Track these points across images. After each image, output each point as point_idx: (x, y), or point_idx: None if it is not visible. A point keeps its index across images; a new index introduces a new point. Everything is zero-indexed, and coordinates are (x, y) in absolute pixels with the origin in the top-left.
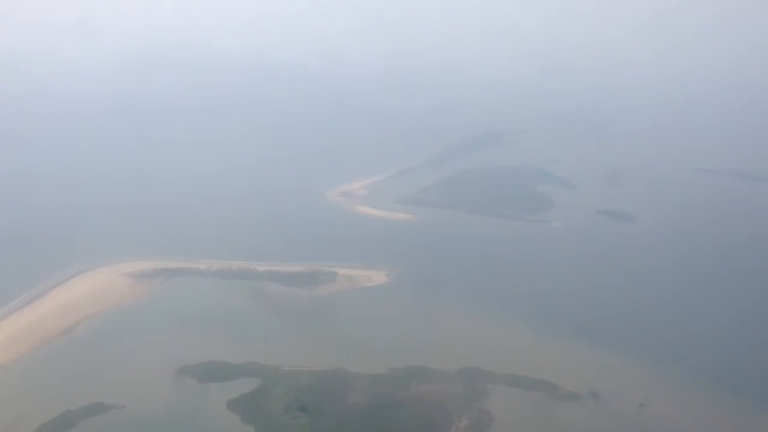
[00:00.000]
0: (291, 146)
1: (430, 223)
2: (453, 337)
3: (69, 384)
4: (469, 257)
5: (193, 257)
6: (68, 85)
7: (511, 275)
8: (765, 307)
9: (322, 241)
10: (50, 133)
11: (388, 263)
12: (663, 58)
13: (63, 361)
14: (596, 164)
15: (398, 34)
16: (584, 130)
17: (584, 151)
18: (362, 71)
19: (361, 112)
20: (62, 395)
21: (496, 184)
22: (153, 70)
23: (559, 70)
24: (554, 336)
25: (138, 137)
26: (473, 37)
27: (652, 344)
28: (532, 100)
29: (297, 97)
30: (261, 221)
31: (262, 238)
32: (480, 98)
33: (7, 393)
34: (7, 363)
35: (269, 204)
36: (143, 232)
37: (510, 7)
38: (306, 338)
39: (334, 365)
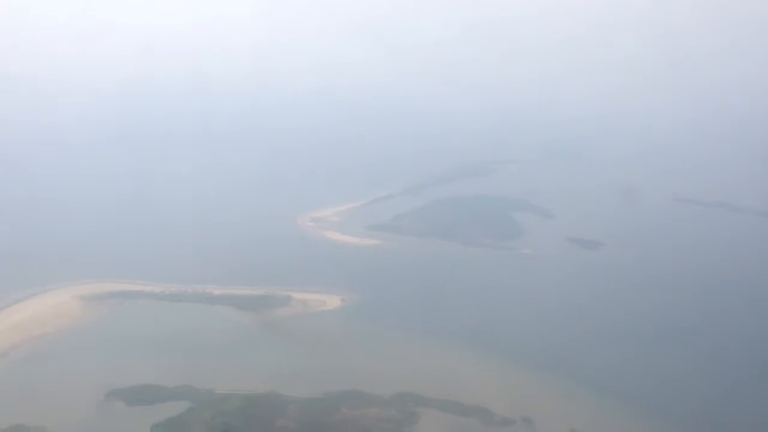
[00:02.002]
0: (268, 172)
1: (397, 249)
2: (394, 362)
3: None
4: (429, 283)
5: (151, 280)
6: (49, 109)
7: (466, 302)
8: (713, 342)
9: (285, 266)
10: (25, 154)
11: (346, 288)
12: (647, 87)
13: None
14: (574, 194)
15: (390, 61)
16: (565, 159)
17: (563, 181)
18: (349, 98)
19: (343, 139)
20: None
21: (470, 212)
22: (140, 96)
23: (542, 101)
24: (496, 362)
25: (110, 162)
26: (460, 67)
27: (591, 371)
28: (514, 130)
29: (280, 122)
30: (225, 246)
31: (224, 262)
32: (462, 128)
33: None
34: None
35: (237, 229)
36: (103, 254)
37: (498, 37)
38: (245, 361)
39: (268, 389)
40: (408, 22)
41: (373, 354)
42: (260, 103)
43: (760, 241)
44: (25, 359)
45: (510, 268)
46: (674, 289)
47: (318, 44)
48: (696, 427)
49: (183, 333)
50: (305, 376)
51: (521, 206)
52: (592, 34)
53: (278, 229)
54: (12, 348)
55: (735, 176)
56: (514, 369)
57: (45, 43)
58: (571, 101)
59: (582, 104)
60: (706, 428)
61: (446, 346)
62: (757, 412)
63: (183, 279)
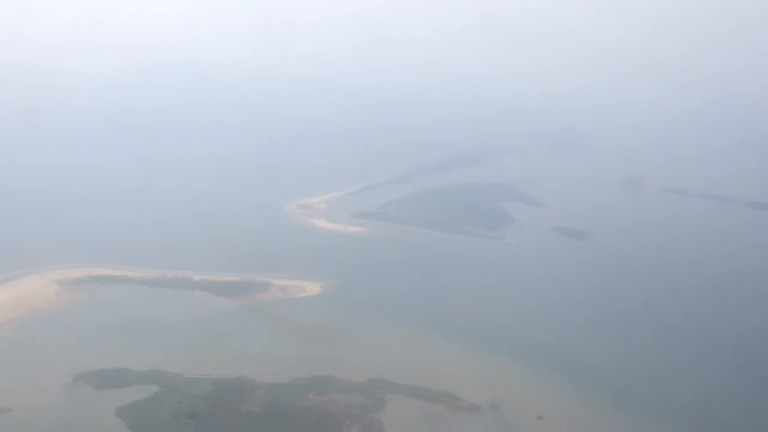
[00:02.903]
0: (258, 160)
1: (382, 237)
2: (367, 349)
3: None
4: (410, 271)
5: (131, 266)
6: (50, 98)
7: (445, 289)
8: (687, 332)
9: (267, 253)
10: (18, 143)
11: (327, 275)
12: (647, 78)
13: None
14: (566, 184)
15: (389, 51)
16: (561, 149)
17: (557, 171)
18: (348, 86)
19: (338, 128)
20: None
21: (460, 200)
22: (136, 86)
23: (540, 91)
24: (470, 349)
25: (96, 150)
26: (462, 55)
27: (565, 360)
28: (515, 120)
29: (274, 111)
30: (209, 232)
31: (207, 248)
32: (458, 117)
33: None
34: None
35: (222, 216)
36: (85, 240)
37: (501, 27)
38: (217, 346)
39: (238, 374)
40: (405, 13)
41: (346, 340)
42: (253, 92)
43: (747, 232)
44: None
45: (494, 257)
46: (658, 279)
47: (312, 34)
48: (669, 417)
49: (157, 318)
50: (277, 362)
51: (511, 195)
52: (592, 25)
53: (264, 216)
54: None
55: (729, 168)
56: (488, 357)
57: (44, 29)
58: (570, 92)
59: (581, 95)
60: (679, 418)
61: (421, 334)
62: (740, 406)
63: (164, 265)
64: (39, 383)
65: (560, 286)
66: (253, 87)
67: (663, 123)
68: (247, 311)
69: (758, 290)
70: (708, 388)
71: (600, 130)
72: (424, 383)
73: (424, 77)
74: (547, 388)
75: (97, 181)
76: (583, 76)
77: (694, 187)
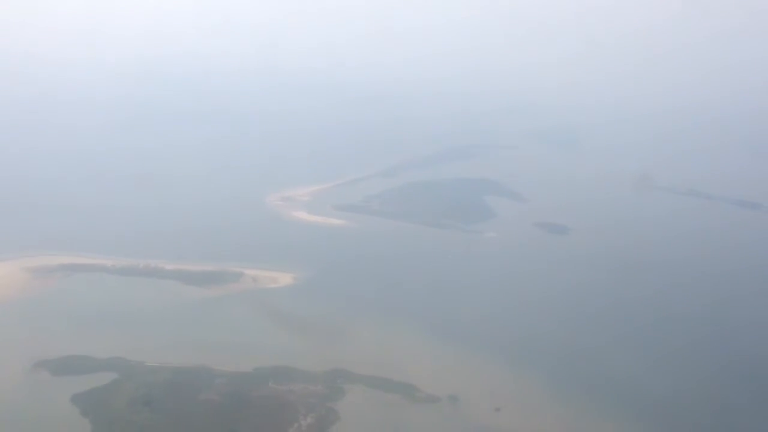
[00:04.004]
0: (248, 151)
1: (360, 230)
2: (332, 339)
3: None
4: (384, 263)
5: (104, 255)
6: (37, 87)
7: (417, 282)
8: (656, 330)
9: (245, 243)
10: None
11: (301, 266)
12: (641, 75)
13: None
14: (552, 179)
15: (386, 45)
16: (553, 146)
17: (547, 166)
18: (343, 79)
19: (332, 120)
20: None
21: (443, 195)
22: (129, 76)
23: (542, 86)
24: (435, 341)
25: (76, 139)
26: (460, 52)
27: (527, 352)
28: (510, 115)
29: (272, 104)
30: (189, 222)
31: (184, 238)
32: (457, 111)
33: None
34: None
35: (204, 206)
36: (59, 228)
37: (497, 26)
38: (182, 335)
39: (200, 362)
40: (402, 6)
41: (311, 331)
42: (247, 84)
43: (729, 229)
44: None
45: (470, 251)
46: (632, 276)
47: (307, 26)
48: (631, 410)
49: (124, 306)
50: (239, 351)
51: (496, 190)
52: (589, 22)
53: (245, 207)
54: None
55: (718, 166)
56: (452, 349)
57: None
58: (566, 88)
59: (577, 91)
60: (640, 412)
61: (388, 325)
62: (710, 404)
63: (138, 254)
64: None
65: (532, 280)
66: (246, 79)
67: (657, 120)
68: (216, 301)
69: (736, 289)
70: (673, 384)
71: (593, 126)
72: (385, 374)
73: (421, 71)
74: (508, 380)
75: (78, 169)
76: (580, 71)
77: (681, 185)
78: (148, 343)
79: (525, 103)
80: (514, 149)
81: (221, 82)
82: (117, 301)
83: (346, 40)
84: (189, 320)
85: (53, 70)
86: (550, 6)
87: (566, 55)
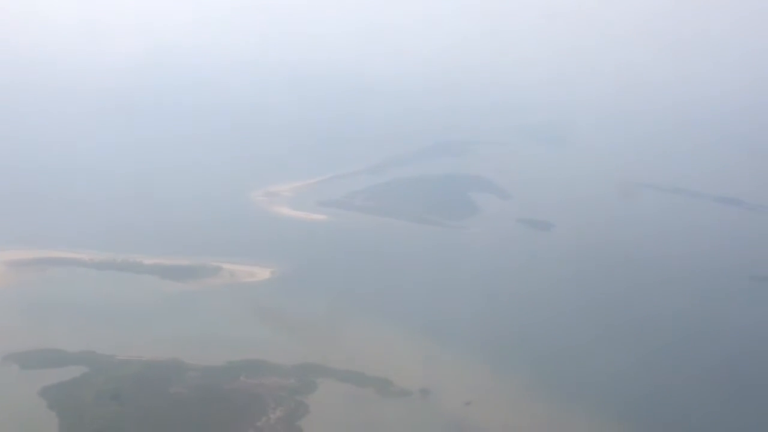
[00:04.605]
0: (234, 145)
1: (342, 225)
2: (306, 333)
3: None
4: (364, 258)
5: (84, 249)
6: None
7: (395, 277)
8: (633, 326)
9: (225, 238)
10: None
11: (280, 261)
12: (632, 72)
13: None
14: (541, 175)
15: (377, 39)
16: (544, 142)
17: (535, 163)
18: (335, 73)
19: (321, 115)
20: None
21: (429, 191)
22: (119, 70)
23: (525, 85)
24: (410, 335)
25: (60, 131)
26: (452, 46)
27: (500, 347)
28: (501, 112)
29: (259, 98)
30: (170, 217)
31: (164, 233)
32: (443, 107)
33: None
34: None
35: (187, 201)
36: (38, 221)
37: (491, 20)
38: (156, 329)
39: (172, 356)
40: (392, 1)
41: (286, 325)
42: (230, 78)
43: (710, 226)
44: None
45: (451, 246)
46: (611, 271)
47: (293, 20)
48: (604, 406)
49: (99, 300)
50: (213, 345)
51: (482, 187)
52: (579, 19)
53: (228, 202)
54: None
55: (703, 163)
56: (427, 343)
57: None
58: (555, 86)
59: (567, 89)
60: (611, 408)
61: (363, 319)
62: (682, 404)
63: (118, 248)
64: None
65: (511, 276)
66: (232, 74)
67: (646, 117)
68: (192, 295)
69: (713, 286)
70: (650, 381)
71: (582, 123)
72: (358, 368)
73: (412, 67)
74: (482, 375)
75: (57, 162)
76: (570, 68)
77: (667, 182)
78: (121, 336)
79: (514, 99)
80: (502, 145)
81: (205, 77)
82: (92, 295)
83: (333, 34)
84: (164, 314)
85: (31, 62)
86: (541, 2)
87: (556, 51)
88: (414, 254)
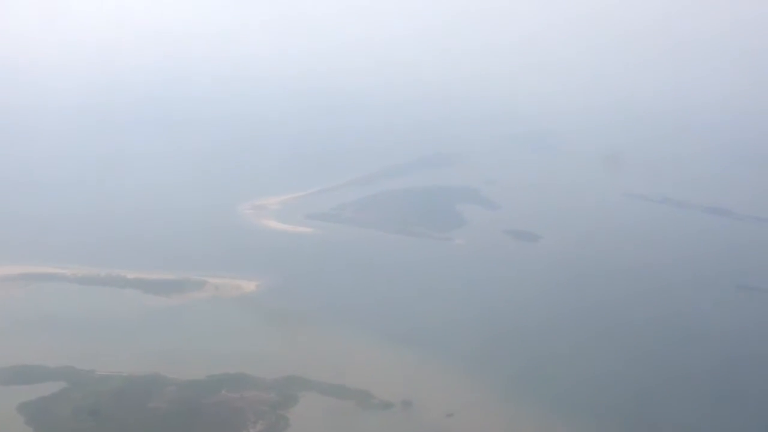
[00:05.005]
0: (221, 159)
1: (330, 238)
2: (289, 346)
3: None
4: (350, 271)
5: (67, 263)
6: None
7: (380, 289)
8: (617, 336)
9: (210, 252)
10: None
11: (266, 275)
12: (623, 81)
13: None
14: (530, 185)
15: (365, 50)
16: (536, 152)
17: (525, 173)
18: (322, 85)
19: (303, 128)
20: None
21: (417, 202)
22: (100, 84)
23: (515, 93)
24: (392, 348)
25: (47, 145)
26: (434, 56)
27: (484, 359)
28: (492, 121)
29: (248, 111)
30: (155, 231)
31: (149, 247)
32: (437, 118)
33: None
34: None
35: (172, 214)
36: (21, 237)
37: (473, 29)
38: (138, 344)
39: (153, 371)
40: (379, 12)
41: (270, 338)
42: (221, 90)
43: (697, 235)
44: None
45: (437, 258)
46: (597, 283)
47: (278, 32)
48: (587, 416)
49: (81, 315)
50: (195, 359)
51: (470, 198)
52: (567, 27)
53: (215, 215)
54: None
55: (693, 173)
56: (410, 355)
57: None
58: (549, 95)
59: (560, 98)
60: (595, 419)
61: (347, 332)
62: (664, 413)
63: (101, 263)
64: None
65: (495, 287)
66: (219, 86)
67: (637, 126)
68: (176, 309)
69: (699, 296)
70: (635, 390)
71: (577, 132)
72: (340, 381)
73: (401, 77)
74: (465, 386)
75: (41, 176)
76: (561, 77)
77: (656, 192)
78: (102, 352)
79: (506, 108)
80: (492, 156)
81: (192, 89)
82: (73, 310)
83: (320, 46)
84: (146, 329)
85: (14, 74)
86: (530, 12)
87: (547, 60)
88: (398, 266)
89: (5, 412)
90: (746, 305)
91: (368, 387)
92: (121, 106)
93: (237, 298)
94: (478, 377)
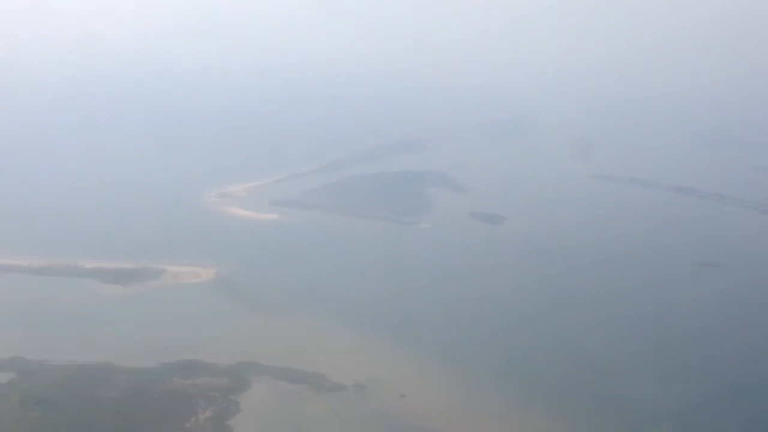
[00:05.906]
0: (183, 149)
1: (293, 224)
2: (244, 332)
3: None
4: (311, 256)
5: (22, 254)
6: None
7: (341, 274)
8: (569, 315)
9: (172, 240)
10: None
11: (226, 262)
12: (595, 68)
13: None
14: (497, 169)
15: (335, 41)
16: (506, 138)
17: (493, 158)
18: (291, 75)
19: (277, 117)
20: None
21: (383, 187)
22: (74, 75)
23: (492, 80)
24: (349, 332)
25: (10, 139)
26: (407, 46)
27: (440, 340)
28: (464, 109)
29: (212, 101)
30: (116, 219)
31: (109, 235)
32: (404, 106)
33: None
34: None
35: (135, 203)
36: None
37: (447, 16)
38: (91, 333)
39: (105, 360)
40: (344, 1)
41: (226, 325)
42: (184, 81)
43: (659, 213)
44: None
45: (400, 242)
46: (557, 261)
47: (243, 21)
48: (536, 398)
49: (35, 306)
50: (148, 348)
51: (437, 182)
52: (540, 17)
53: (179, 204)
54: None
55: (662, 155)
56: (366, 339)
57: None
58: (519, 83)
59: (529, 87)
60: (548, 399)
61: (304, 317)
62: (617, 390)
63: (60, 254)
64: None
65: (455, 268)
66: (186, 76)
67: (610, 113)
68: (133, 298)
69: (656, 272)
70: (583, 363)
71: (547, 119)
72: (294, 365)
73: (373, 67)
74: (419, 368)
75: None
76: (539, 66)
77: (622, 173)
78: (54, 342)
79: (478, 98)
80: (462, 142)
81: (159, 80)
82: (28, 300)
83: (288, 37)
84: (101, 318)
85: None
86: (504, 2)
87: (521, 50)
88: (360, 250)
89: None
90: (700, 281)
91: (322, 371)
92: (91, 98)
93: (196, 285)
94: (432, 359)
